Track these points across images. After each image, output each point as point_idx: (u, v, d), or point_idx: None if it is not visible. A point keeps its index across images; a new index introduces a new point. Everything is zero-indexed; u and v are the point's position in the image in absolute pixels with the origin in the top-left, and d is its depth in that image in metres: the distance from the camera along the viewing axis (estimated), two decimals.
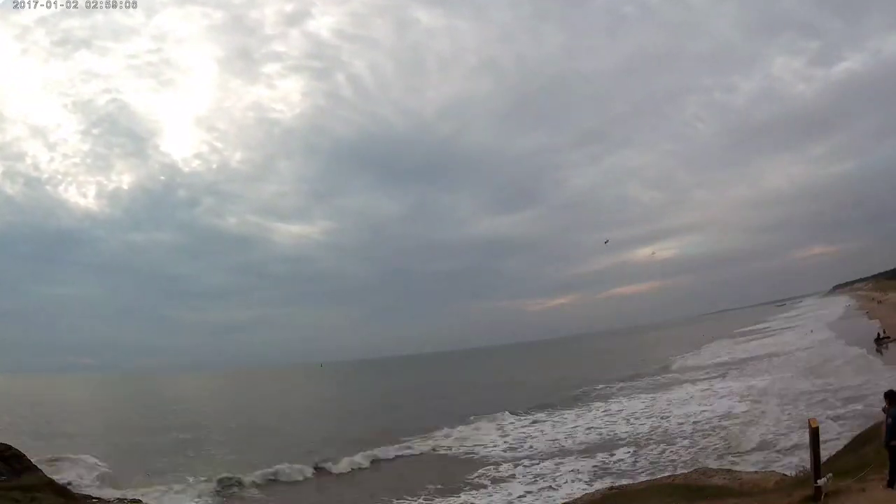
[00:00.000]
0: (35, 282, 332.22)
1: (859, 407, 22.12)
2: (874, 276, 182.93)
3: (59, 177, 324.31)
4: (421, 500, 19.92)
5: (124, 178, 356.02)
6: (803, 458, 14.64)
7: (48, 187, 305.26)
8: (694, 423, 26.58)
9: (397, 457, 27.61)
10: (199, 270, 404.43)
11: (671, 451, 22.09)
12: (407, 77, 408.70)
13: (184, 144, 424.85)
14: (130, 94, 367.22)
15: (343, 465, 25.58)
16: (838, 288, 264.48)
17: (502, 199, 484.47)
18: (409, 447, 28.99)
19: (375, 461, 26.66)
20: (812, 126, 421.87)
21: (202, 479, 23.01)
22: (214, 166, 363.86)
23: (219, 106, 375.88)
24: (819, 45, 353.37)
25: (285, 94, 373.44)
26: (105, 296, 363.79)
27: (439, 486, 21.14)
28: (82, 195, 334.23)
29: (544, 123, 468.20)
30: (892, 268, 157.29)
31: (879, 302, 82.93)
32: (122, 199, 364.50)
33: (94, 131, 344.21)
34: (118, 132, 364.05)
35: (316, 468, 25.16)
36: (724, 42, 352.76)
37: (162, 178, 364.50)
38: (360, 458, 26.32)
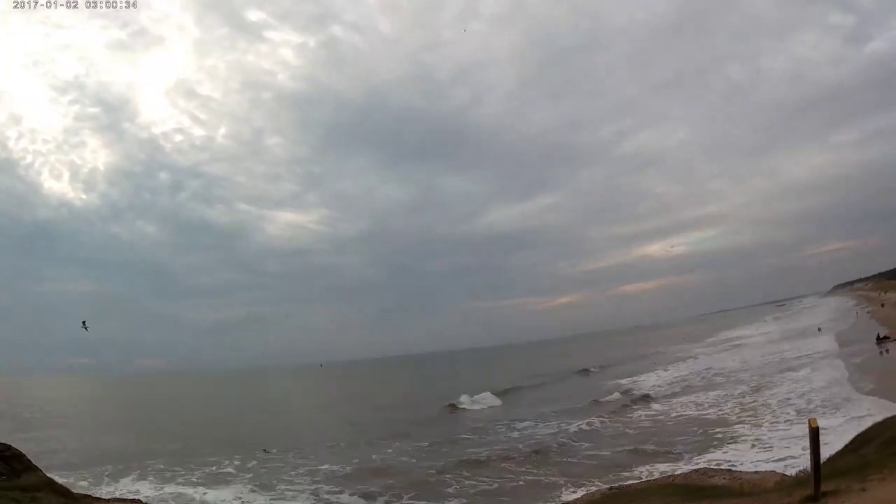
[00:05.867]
0: (19, 278, 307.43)
1: None
2: (875, 276, 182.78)
3: (30, 157, 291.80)
4: None
5: (99, 158, 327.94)
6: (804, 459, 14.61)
7: (19, 170, 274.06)
8: None
9: None
10: (192, 267, 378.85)
11: None
12: (419, 27, 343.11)
13: (162, 115, 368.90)
14: (98, 51, 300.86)
15: None
16: (838, 288, 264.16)
17: (515, 186, 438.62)
18: None
19: None
20: (842, 111, 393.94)
21: None
22: (198, 143, 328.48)
23: (199, 65, 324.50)
24: (855, 20, 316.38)
25: (274, 49, 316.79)
26: (95, 293, 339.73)
27: None
28: (56, 178, 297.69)
29: (573, 90, 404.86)
30: (892, 267, 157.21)
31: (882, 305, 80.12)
32: (98, 183, 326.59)
33: (63, 99, 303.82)
34: (88, 100, 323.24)
35: None
36: (755, 14, 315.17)
37: (141, 157, 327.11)
38: None
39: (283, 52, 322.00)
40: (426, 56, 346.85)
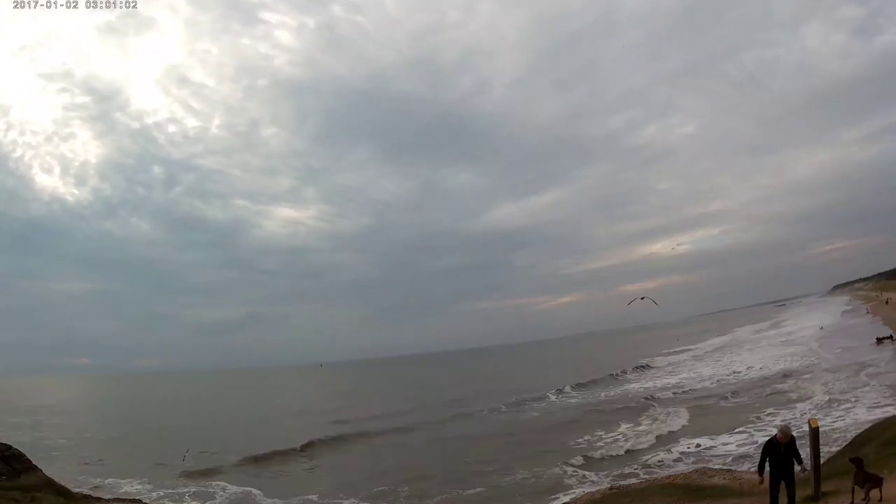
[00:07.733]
0: (13, 276, 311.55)
1: None
2: (875, 276, 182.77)
3: (20, 150, 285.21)
4: None
5: (91, 150, 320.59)
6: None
7: (10, 164, 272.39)
8: None
9: None
10: (188, 265, 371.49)
11: None
12: (423, 6, 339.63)
13: (154, 104, 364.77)
14: (87, 35, 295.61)
15: None
16: (838, 288, 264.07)
17: (519, 181, 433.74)
18: None
19: None
20: (849, 107, 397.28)
21: None
22: (192, 133, 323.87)
23: (191, 49, 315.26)
24: (864, 13, 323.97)
25: (270, 31, 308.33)
26: (90, 292, 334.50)
27: None
28: (46, 172, 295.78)
29: (582, 78, 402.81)
30: (893, 267, 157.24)
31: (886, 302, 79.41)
32: (90, 177, 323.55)
33: (51, 88, 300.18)
34: (78, 89, 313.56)
35: None
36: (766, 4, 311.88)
37: (134, 149, 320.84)
38: None
39: (280, 35, 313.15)
40: (430, 38, 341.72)
